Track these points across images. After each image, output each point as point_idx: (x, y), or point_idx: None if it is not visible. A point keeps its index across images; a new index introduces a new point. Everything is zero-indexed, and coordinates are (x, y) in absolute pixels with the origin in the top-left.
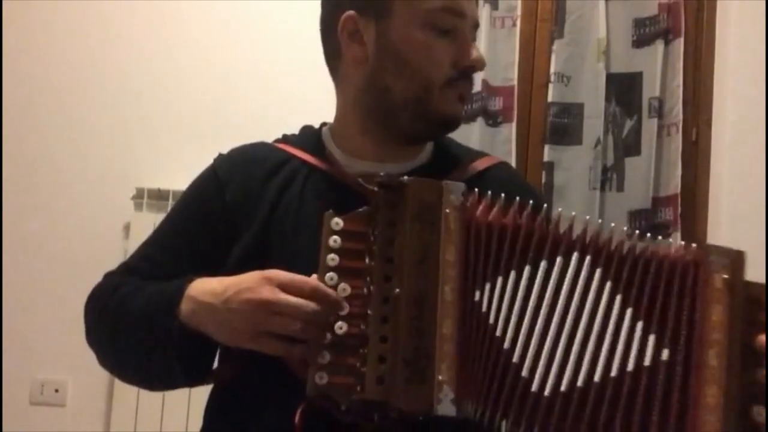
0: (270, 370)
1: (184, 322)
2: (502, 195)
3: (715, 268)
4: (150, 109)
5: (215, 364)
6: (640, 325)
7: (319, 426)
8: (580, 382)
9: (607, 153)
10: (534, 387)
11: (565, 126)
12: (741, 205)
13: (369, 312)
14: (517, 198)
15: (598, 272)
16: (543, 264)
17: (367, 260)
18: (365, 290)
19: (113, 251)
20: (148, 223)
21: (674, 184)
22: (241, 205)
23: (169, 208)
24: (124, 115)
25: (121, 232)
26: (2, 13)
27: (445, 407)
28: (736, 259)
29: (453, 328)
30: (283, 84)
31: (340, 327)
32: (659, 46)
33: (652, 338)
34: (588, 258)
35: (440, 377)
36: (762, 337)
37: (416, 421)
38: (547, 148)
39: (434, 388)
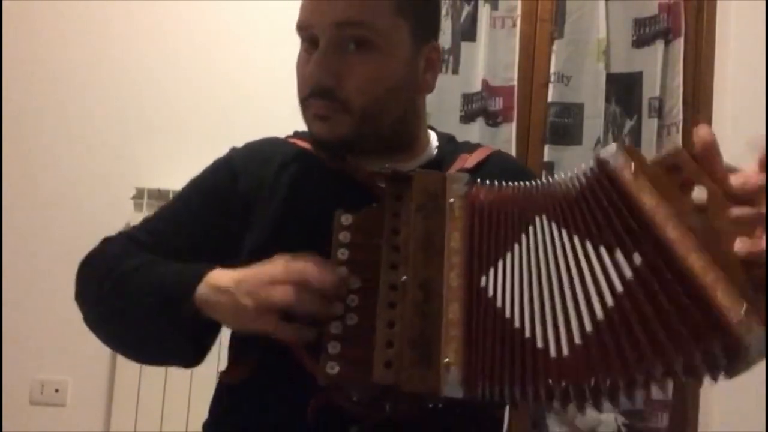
0: (279, 367)
1: (198, 305)
2: (504, 183)
3: (620, 168)
4: (150, 109)
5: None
6: (603, 250)
7: (331, 418)
8: (589, 328)
9: None
10: (552, 353)
11: (565, 126)
12: None
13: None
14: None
15: (554, 225)
16: (523, 237)
17: (376, 253)
18: (374, 282)
19: None
20: None
21: None
22: (253, 196)
23: None
24: (124, 115)
25: None
26: (2, 13)
27: (453, 389)
28: (630, 149)
29: (460, 313)
30: (284, 85)
31: (351, 318)
32: (659, 46)
33: (619, 253)
34: (544, 216)
35: (447, 359)
36: (697, 189)
37: (426, 409)
38: (547, 148)
39: (441, 370)
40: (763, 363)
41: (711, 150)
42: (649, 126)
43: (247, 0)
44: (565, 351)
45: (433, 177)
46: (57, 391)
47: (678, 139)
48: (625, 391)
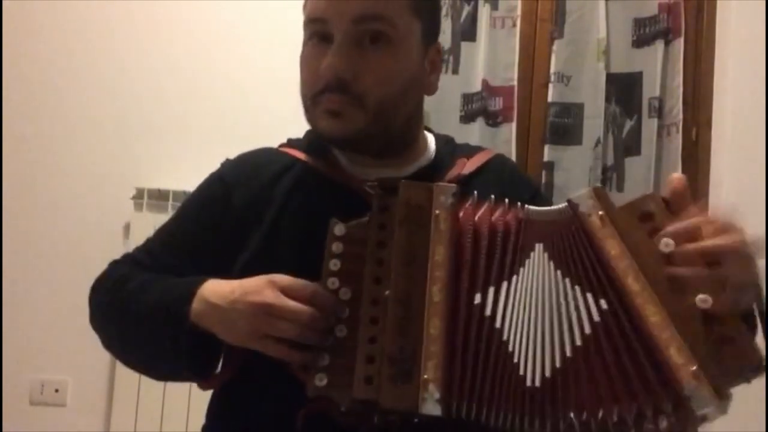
0: (272, 371)
1: (193, 320)
2: (492, 197)
3: (589, 213)
4: (150, 110)
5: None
6: (578, 289)
7: (321, 427)
8: (558, 363)
9: (607, 153)
10: (528, 382)
11: (565, 126)
12: (741, 205)
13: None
14: (506, 200)
15: (546, 255)
16: (527, 262)
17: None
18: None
19: (113, 251)
20: (148, 223)
21: None
22: (248, 209)
23: (169, 208)
24: (124, 115)
25: (121, 232)
26: (2, 13)
27: (430, 406)
28: (599, 195)
29: (441, 328)
30: (283, 85)
31: (341, 330)
32: (659, 46)
33: (590, 296)
34: (541, 245)
35: (426, 376)
36: (665, 240)
37: (414, 422)
38: (547, 148)
39: (419, 386)
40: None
41: (681, 198)
42: (649, 126)
43: (247, 0)
44: (537, 382)
45: (419, 189)
46: (57, 391)
47: (678, 139)
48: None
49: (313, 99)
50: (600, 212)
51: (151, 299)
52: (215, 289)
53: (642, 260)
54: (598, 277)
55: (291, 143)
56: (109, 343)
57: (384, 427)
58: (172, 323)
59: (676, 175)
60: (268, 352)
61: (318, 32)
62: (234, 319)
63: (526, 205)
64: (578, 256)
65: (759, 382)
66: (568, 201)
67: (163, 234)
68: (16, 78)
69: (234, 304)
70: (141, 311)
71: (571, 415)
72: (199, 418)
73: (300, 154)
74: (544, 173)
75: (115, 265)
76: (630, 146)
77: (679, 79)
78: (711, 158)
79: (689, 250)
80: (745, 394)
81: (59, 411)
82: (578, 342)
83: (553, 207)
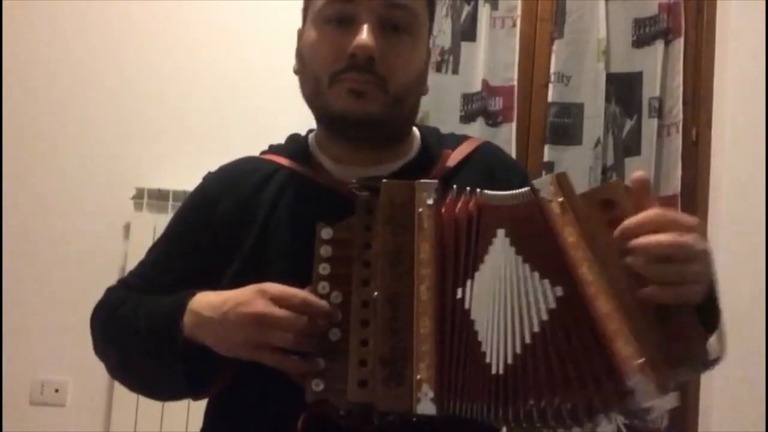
0: (269, 375)
1: (187, 335)
2: (472, 190)
3: (549, 199)
4: (150, 110)
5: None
6: (536, 275)
7: (320, 431)
8: (519, 350)
9: (607, 153)
10: (493, 370)
11: (565, 126)
12: (741, 205)
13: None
14: (477, 189)
15: (508, 240)
16: (491, 249)
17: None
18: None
19: (113, 251)
20: (148, 223)
21: (674, 184)
22: (233, 219)
23: (169, 208)
24: (124, 115)
25: (121, 232)
26: (2, 13)
27: (425, 406)
28: (561, 182)
29: (431, 327)
30: (282, 86)
31: (335, 334)
32: (659, 46)
33: (547, 283)
34: (503, 231)
35: (419, 376)
36: (619, 230)
37: (413, 421)
38: (547, 148)
39: (413, 387)
40: (763, 362)
41: (642, 194)
42: (649, 126)
43: (247, 0)
44: (501, 369)
45: (401, 187)
46: (57, 391)
47: (678, 139)
48: (538, 418)
49: (332, 77)
50: (560, 199)
51: (144, 319)
52: (206, 301)
53: (597, 250)
54: (555, 264)
55: (273, 149)
56: (112, 369)
57: (384, 428)
58: (167, 339)
59: (639, 173)
60: (264, 361)
61: (338, 14)
62: (226, 331)
63: (485, 191)
64: (537, 241)
65: (759, 381)
66: (530, 185)
67: (153, 255)
68: (16, 78)
69: (226, 316)
70: (136, 332)
71: (531, 402)
72: (199, 419)
73: (283, 160)
74: (543, 173)
75: (110, 291)
76: (630, 146)
77: (679, 79)
78: (711, 158)
79: (645, 244)
80: (745, 393)
81: (59, 411)
82: (536, 329)
83: (514, 191)
